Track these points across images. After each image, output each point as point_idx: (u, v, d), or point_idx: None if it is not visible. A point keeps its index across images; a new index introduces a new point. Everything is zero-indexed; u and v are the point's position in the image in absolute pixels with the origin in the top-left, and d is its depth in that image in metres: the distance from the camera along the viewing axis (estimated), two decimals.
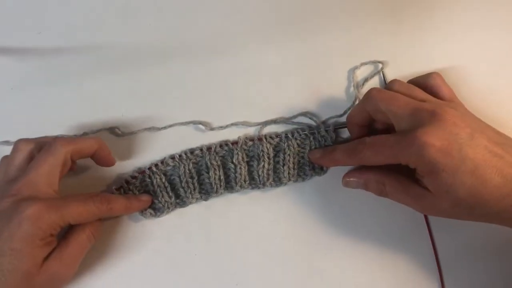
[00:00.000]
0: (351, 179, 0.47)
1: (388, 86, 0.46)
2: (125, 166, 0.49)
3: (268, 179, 0.48)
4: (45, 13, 0.55)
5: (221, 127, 0.50)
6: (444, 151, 0.37)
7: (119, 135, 0.50)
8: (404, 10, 0.55)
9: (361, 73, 0.53)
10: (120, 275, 0.47)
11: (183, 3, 0.54)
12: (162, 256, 0.47)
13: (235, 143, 0.48)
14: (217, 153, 0.48)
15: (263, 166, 0.48)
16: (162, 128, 0.50)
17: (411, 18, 0.55)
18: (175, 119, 0.51)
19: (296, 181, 0.49)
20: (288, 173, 0.48)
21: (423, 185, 0.40)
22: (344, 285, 0.47)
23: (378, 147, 0.42)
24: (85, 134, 0.49)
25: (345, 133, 0.50)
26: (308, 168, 0.49)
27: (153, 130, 0.50)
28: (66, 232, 0.42)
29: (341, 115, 0.51)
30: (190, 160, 0.48)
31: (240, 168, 0.48)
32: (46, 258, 0.39)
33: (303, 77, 0.53)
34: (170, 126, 0.50)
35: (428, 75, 0.47)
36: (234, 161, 0.48)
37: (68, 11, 0.55)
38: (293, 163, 0.49)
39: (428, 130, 0.38)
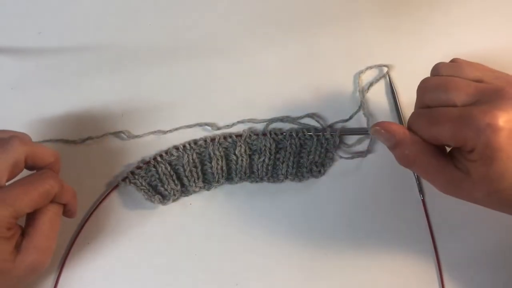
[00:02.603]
0: (383, 131, 0.42)
1: (436, 72, 0.43)
2: (131, 169, 0.50)
3: (266, 174, 0.51)
4: (45, 13, 0.56)
5: (228, 126, 0.52)
6: (511, 138, 0.35)
7: (124, 139, 0.51)
8: (406, 11, 0.57)
9: (366, 77, 0.54)
10: (120, 275, 0.48)
11: (184, 3, 0.56)
12: (162, 256, 0.49)
13: (239, 135, 0.51)
14: (220, 144, 0.50)
15: (263, 160, 0.50)
16: (167, 131, 0.51)
17: (413, 18, 0.57)
18: (179, 120, 0.53)
19: (293, 180, 0.51)
20: (286, 171, 0.51)
21: (463, 167, 0.39)
22: (344, 285, 0.48)
23: (437, 117, 0.39)
24: (89, 138, 0.50)
25: (350, 140, 0.52)
26: (305, 170, 0.51)
27: (158, 134, 0.51)
28: (28, 217, 0.41)
29: (347, 120, 0.52)
30: (193, 150, 0.50)
31: (242, 160, 0.50)
32: (18, 250, 0.39)
33: (307, 79, 0.55)
34: (176, 129, 0.51)
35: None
36: (236, 152, 0.50)
37: (68, 11, 0.57)
38: (293, 161, 0.51)
39: (496, 112, 0.36)
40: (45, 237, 0.40)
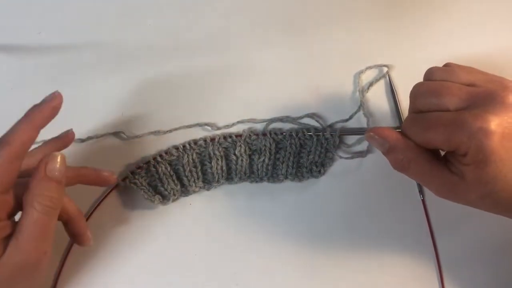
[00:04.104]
0: (377, 137, 0.43)
1: (428, 77, 0.43)
2: (131, 169, 0.51)
3: (266, 174, 0.51)
4: (45, 13, 0.56)
5: (227, 126, 0.52)
6: (503, 142, 0.36)
7: (124, 139, 0.51)
8: (406, 11, 0.57)
9: (366, 77, 0.54)
10: (119, 275, 0.49)
11: (184, 3, 0.56)
12: (162, 256, 0.49)
13: (239, 135, 0.51)
14: (220, 144, 0.51)
15: (263, 160, 0.51)
16: (167, 131, 0.51)
17: (413, 18, 0.57)
18: (179, 120, 0.53)
19: (292, 180, 0.51)
20: (286, 171, 0.51)
21: (457, 171, 0.39)
22: (344, 285, 0.49)
23: (430, 122, 0.39)
24: (89, 138, 0.51)
25: (350, 140, 0.53)
26: (305, 170, 0.51)
27: (158, 134, 0.52)
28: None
29: (347, 120, 0.53)
30: (193, 150, 0.50)
31: (242, 160, 0.51)
32: (4, 250, 0.37)
33: (307, 79, 0.55)
34: (176, 129, 0.52)
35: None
36: (236, 153, 0.51)
37: (68, 10, 0.57)
38: (293, 161, 0.51)
39: (488, 115, 0.36)
40: (32, 236, 0.37)
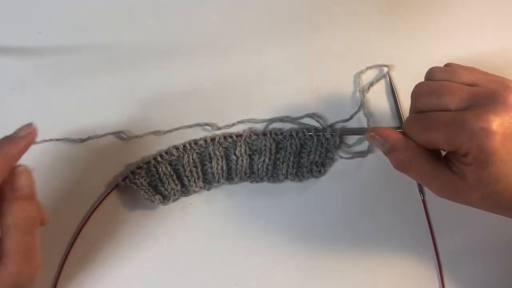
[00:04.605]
0: (377, 137, 0.43)
1: (429, 77, 0.43)
2: (131, 169, 0.51)
3: (266, 174, 0.51)
4: (45, 13, 0.56)
5: (228, 126, 0.52)
6: (505, 142, 0.36)
7: (125, 139, 0.51)
8: (406, 11, 0.57)
9: (366, 77, 0.54)
10: (119, 275, 0.48)
11: (184, 3, 0.56)
12: (162, 256, 0.49)
13: (239, 135, 0.51)
14: (220, 144, 0.51)
15: (264, 160, 0.51)
16: (167, 131, 0.51)
17: (413, 18, 0.57)
18: (179, 120, 0.53)
19: (293, 180, 0.51)
20: (287, 171, 0.51)
21: (458, 171, 0.39)
22: (344, 285, 0.49)
23: (431, 122, 0.40)
24: (89, 138, 0.51)
25: (350, 140, 0.53)
26: (305, 170, 0.51)
27: (158, 134, 0.52)
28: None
29: (347, 120, 0.53)
30: (194, 150, 0.50)
31: (242, 160, 0.51)
32: None
33: (307, 79, 0.55)
34: (176, 129, 0.52)
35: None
36: (236, 153, 0.51)
37: (68, 11, 0.57)
38: (293, 161, 0.51)
39: (490, 115, 0.37)
40: (19, 260, 0.35)
